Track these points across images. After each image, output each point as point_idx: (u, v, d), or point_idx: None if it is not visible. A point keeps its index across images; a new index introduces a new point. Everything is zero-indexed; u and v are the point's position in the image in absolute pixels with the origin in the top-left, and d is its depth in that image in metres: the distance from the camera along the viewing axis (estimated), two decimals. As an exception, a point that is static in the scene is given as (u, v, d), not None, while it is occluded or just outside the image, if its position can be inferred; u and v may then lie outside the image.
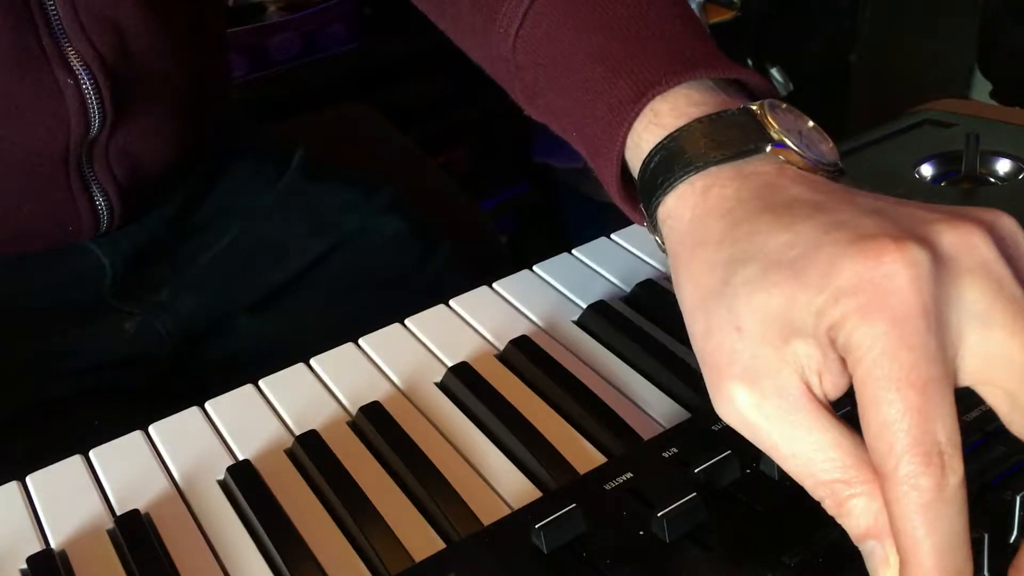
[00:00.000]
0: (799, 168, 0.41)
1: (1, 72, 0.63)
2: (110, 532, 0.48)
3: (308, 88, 1.58)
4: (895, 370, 0.33)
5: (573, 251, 0.65)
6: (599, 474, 0.45)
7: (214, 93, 0.83)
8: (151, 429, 0.53)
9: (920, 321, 0.33)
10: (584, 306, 0.59)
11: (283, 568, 0.44)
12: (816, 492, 0.36)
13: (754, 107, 0.43)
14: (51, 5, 0.64)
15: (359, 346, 0.58)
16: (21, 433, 0.68)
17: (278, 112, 1.09)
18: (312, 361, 0.57)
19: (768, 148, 0.41)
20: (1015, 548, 0.38)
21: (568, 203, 1.94)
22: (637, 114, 0.45)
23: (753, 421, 0.37)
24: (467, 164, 1.79)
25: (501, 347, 0.57)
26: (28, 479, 0.51)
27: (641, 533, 0.41)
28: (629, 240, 0.66)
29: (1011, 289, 0.34)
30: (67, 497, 0.50)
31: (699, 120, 0.43)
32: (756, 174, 0.41)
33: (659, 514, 0.41)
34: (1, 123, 0.65)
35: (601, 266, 0.63)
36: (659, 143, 0.43)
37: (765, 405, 0.36)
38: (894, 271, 0.33)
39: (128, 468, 0.51)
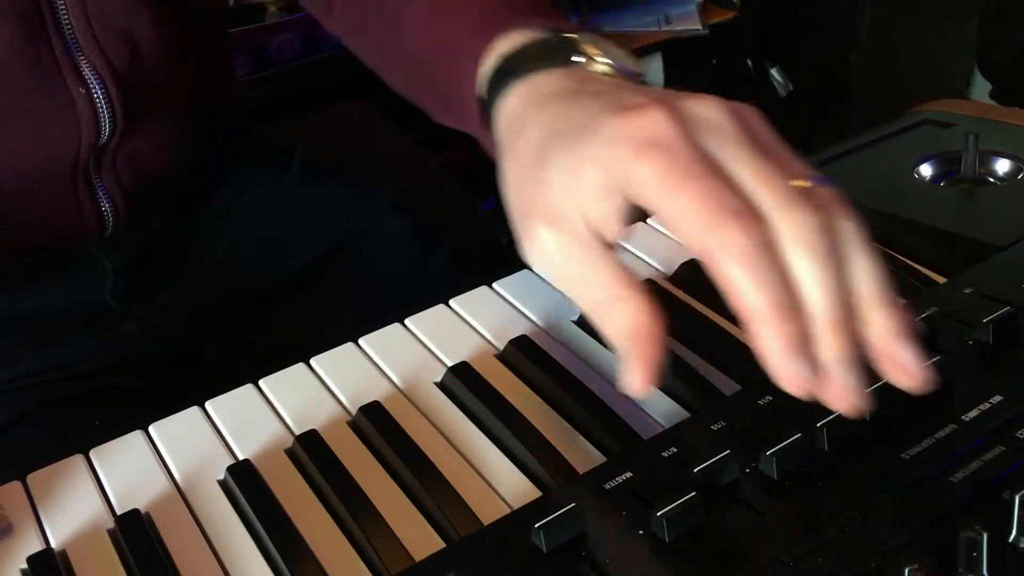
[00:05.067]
0: (606, 74, 0.52)
1: (15, 82, 0.64)
2: (110, 532, 0.48)
3: (308, 88, 1.58)
4: (668, 181, 0.41)
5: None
6: (599, 474, 0.45)
7: (219, 101, 0.83)
8: (151, 429, 0.53)
9: (673, 146, 0.42)
10: (584, 306, 0.59)
11: (283, 568, 0.44)
12: (590, 312, 0.45)
13: (571, 35, 0.53)
14: (64, 17, 0.64)
15: (359, 346, 0.58)
16: (22, 433, 0.68)
17: (278, 112, 1.09)
18: (312, 361, 0.57)
19: (582, 60, 0.52)
20: (1014, 547, 0.38)
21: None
22: (482, 51, 0.56)
23: (551, 256, 0.45)
24: (467, 164, 1.78)
25: (501, 347, 0.57)
26: (28, 478, 0.51)
27: (640, 533, 0.41)
28: (628, 240, 0.66)
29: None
30: (67, 497, 0.50)
31: (525, 45, 0.54)
32: (568, 75, 0.51)
33: (658, 514, 0.41)
34: (14, 132, 0.65)
35: (601, 266, 0.63)
36: (496, 65, 0.54)
37: (561, 241, 0.45)
38: (650, 122, 0.43)
39: (128, 468, 0.51)
